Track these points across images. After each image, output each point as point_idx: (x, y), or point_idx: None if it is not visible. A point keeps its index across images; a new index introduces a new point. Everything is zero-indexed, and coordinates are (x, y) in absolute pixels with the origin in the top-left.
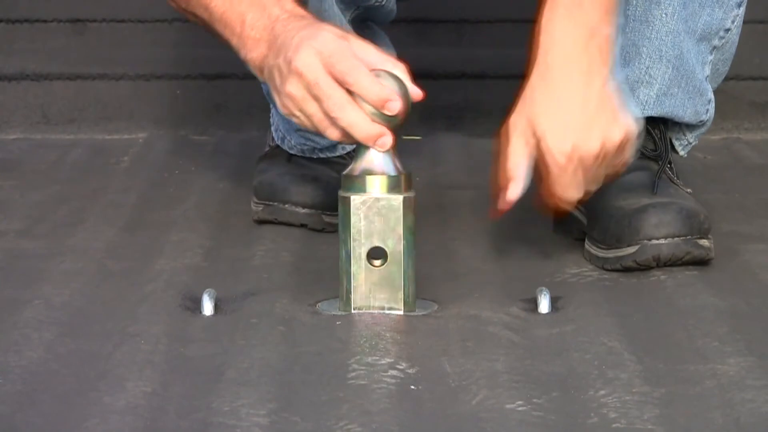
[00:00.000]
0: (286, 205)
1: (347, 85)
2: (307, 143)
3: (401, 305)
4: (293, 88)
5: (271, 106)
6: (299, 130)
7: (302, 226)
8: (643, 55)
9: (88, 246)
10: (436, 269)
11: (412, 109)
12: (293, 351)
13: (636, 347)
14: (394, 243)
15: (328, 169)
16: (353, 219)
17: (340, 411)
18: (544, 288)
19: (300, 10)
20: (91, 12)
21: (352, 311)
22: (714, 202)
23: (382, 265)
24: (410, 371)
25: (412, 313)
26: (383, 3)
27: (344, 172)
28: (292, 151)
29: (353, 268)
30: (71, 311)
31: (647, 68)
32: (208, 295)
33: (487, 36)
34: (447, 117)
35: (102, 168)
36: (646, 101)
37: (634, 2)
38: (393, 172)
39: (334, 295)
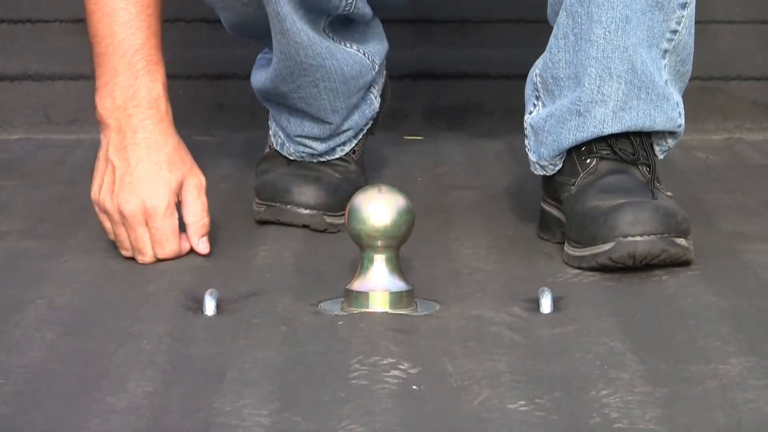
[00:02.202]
0: (288, 206)
1: (151, 231)
2: (306, 150)
3: None
4: (132, 207)
5: (270, 112)
6: (298, 136)
7: (304, 226)
8: (592, 75)
9: (90, 246)
10: (437, 269)
11: (415, 108)
12: (295, 351)
13: (638, 347)
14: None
15: (330, 169)
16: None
17: (342, 411)
18: (546, 288)
19: (159, 101)
20: None
21: None
22: (716, 202)
23: None
24: (412, 371)
25: (414, 314)
26: (351, 10)
27: (347, 287)
28: (291, 157)
29: None
30: (73, 311)
31: (598, 87)
32: (211, 295)
33: (489, 36)
34: (449, 117)
35: None
36: (604, 119)
37: (579, 21)
38: (395, 289)
39: (336, 295)
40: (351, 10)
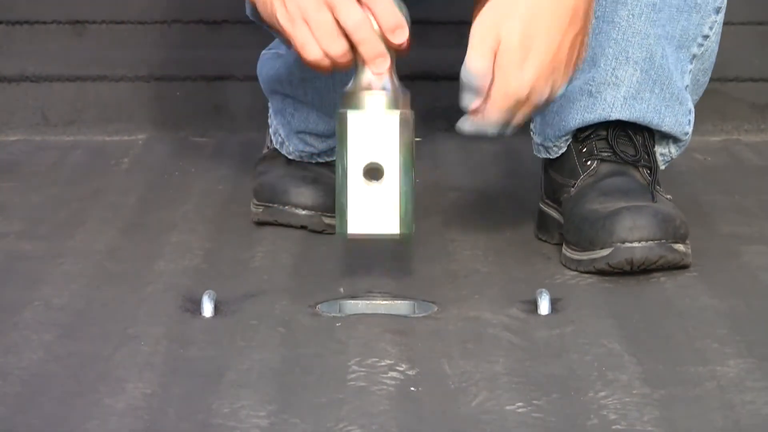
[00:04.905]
0: (286, 207)
1: (367, 2)
2: (306, 148)
3: (396, 227)
4: None
5: (269, 109)
6: (300, 132)
7: (302, 227)
8: (609, 56)
9: (87, 248)
10: (435, 271)
11: (412, 109)
12: (293, 352)
13: (636, 349)
14: (391, 161)
15: (328, 171)
16: (349, 136)
17: (340, 412)
18: (543, 289)
19: None
20: (91, 13)
21: (347, 234)
22: (714, 204)
23: (379, 182)
24: (410, 373)
25: (412, 315)
26: None
27: (343, 89)
28: (290, 156)
29: (349, 186)
30: (71, 313)
31: (613, 69)
32: (208, 297)
33: None
34: (447, 118)
35: (102, 169)
36: (614, 103)
37: (604, 3)
38: (391, 90)
39: (334, 296)
40: None
